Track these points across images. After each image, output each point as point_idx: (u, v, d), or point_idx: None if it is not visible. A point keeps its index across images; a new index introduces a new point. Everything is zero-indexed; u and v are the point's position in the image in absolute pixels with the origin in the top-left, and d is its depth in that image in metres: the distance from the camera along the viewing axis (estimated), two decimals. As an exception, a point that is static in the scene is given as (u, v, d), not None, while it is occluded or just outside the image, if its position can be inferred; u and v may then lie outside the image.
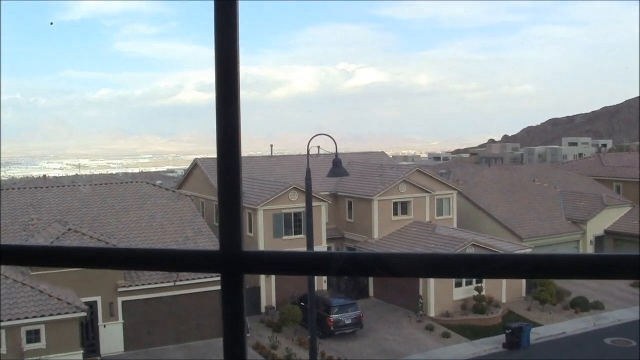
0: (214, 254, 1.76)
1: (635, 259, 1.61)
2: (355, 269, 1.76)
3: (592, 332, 41.77)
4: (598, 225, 56.79)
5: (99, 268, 1.87)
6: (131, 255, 1.87)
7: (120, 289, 38.16)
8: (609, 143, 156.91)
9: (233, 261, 1.73)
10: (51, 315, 32.20)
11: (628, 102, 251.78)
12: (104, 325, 38.29)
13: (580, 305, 44.99)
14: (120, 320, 38.73)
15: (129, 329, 38.86)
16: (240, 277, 1.74)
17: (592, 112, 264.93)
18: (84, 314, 33.65)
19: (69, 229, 38.56)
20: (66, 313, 32.61)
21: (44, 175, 71.69)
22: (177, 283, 38.91)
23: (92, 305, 36.92)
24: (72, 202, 44.71)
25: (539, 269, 1.69)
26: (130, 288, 38.18)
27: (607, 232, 57.18)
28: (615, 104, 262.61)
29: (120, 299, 38.61)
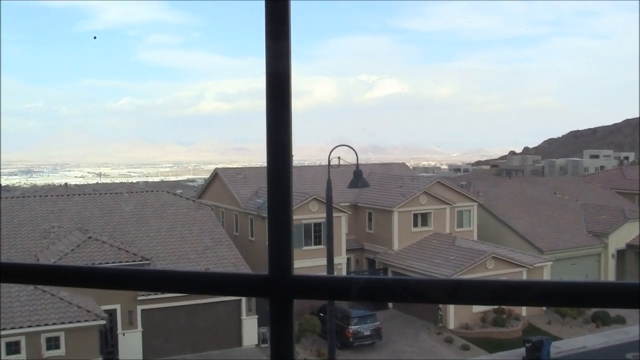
0: (263, 279, 1.74)
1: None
2: (389, 294, 1.73)
3: (613, 347, 41.39)
4: (620, 238, 56.28)
5: (140, 290, 1.85)
6: (177, 278, 1.84)
7: (139, 298, 38.23)
8: (631, 156, 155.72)
9: (283, 286, 1.71)
10: (71, 322, 32.33)
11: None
12: (123, 334, 38.39)
13: (602, 319, 44.60)
14: (140, 328, 38.83)
15: (147, 337, 38.94)
16: (290, 302, 1.71)
17: (614, 124, 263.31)
18: (103, 321, 33.78)
19: (90, 237, 38.74)
20: (86, 321, 32.74)
21: (66, 183, 72.10)
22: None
23: (111, 314, 37.05)
24: (93, 210, 44.93)
25: (570, 299, 1.64)
26: (150, 297, 38.23)
27: (629, 245, 56.64)
28: (637, 116, 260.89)
29: (139, 308, 38.70)
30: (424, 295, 1.68)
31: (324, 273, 29.29)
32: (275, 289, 1.72)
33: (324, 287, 1.75)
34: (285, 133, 1.72)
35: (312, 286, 1.75)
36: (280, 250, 1.73)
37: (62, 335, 32.46)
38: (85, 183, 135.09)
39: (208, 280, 1.82)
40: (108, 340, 37.47)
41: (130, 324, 38.61)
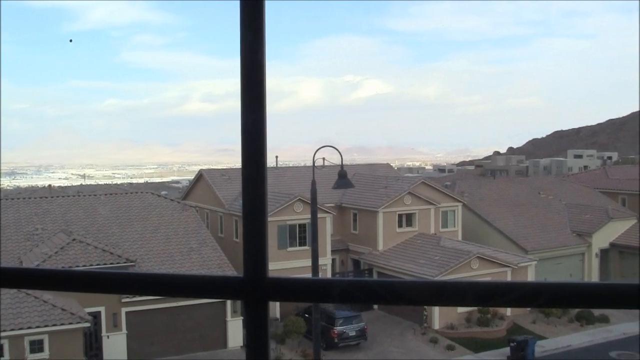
0: (238, 281, 1.73)
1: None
2: (371, 296, 1.73)
3: (598, 345, 41.63)
4: (603, 238, 56.62)
5: (118, 293, 1.84)
6: (153, 280, 1.83)
7: (124, 300, 38.09)
8: (615, 156, 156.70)
9: (257, 288, 1.70)
10: (55, 325, 32.16)
11: (634, 115, 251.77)
12: (108, 336, 38.24)
13: (586, 318, 44.85)
14: (124, 331, 38.69)
15: (132, 339, 38.80)
16: (265, 304, 1.71)
17: (598, 124, 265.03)
18: (87, 324, 33.60)
19: (74, 239, 38.57)
20: (70, 323, 32.57)
21: (49, 185, 71.70)
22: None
23: (95, 316, 36.88)
24: (77, 212, 44.73)
25: (556, 300, 1.65)
26: (135, 299, 38.08)
27: (612, 245, 56.98)
28: (621, 116, 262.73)
29: (124, 310, 38.57)
30: (407, 297, 1.68)
31: (309, 274, 29.30)
32: (250, 291, 1.71)
33: (299, 289, 1.74)
34: (259, 123, 1.70)
35: (287, 288, 1.75)
36: (255, 252, 1.72)
37: (45, 338, 32.28)
38: (69, 185, 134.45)
39: (183, 283, 1.81)
40: (92, 343, 37.30)
41: (114, 326, 38.47)
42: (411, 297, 1.67)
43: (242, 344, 40.86)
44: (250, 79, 1.71)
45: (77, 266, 35.99)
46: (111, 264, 37.76)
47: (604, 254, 57.04)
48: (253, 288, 1.70)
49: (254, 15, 1.71)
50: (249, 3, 1.72)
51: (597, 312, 45.22)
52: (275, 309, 45.14)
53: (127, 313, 38.68)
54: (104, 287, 1.85)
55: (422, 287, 1.69)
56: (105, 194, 49.16)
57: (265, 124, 1.71)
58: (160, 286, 1.83)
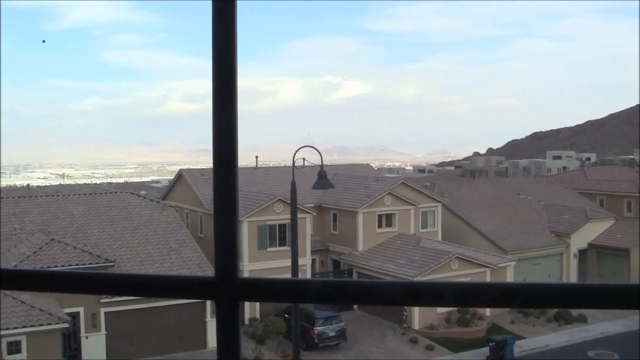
0: (209, 281, 1.73)
1: (627, 288, 1.60)
2: (339, 295, 1.74)
3: (576, 345, 41.90)
4: (582, 238, 57.00)
5: (89, 294, 1.84)
6: (123, 280, 1.84)
7: (103, 300, 37.88)
8: (593, 157, 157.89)
9: (229, 288, 1.71)
10: (33, 326, 31.91)
11: (612, 116, 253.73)
12: (87, 337, 38.04)
13: (564, 318, 45.13)
14: (103, 331, 38.49)
15: (111, 340, 38.60)
16: (235, 304, 1.71)
17: (577, 125, 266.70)
18: (66, 325, 33.37)
19: (52, 239, 38.34)
20: (48, 324, 32.32)
21: (28, 185, 71.25)
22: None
23: (74, 316, 36.65)
24: (56, 212, 44.47)
25: (531, 301, 1.67)
26: (114, 299, 37.88)
27: (590, 245, 57.39)
28: (599, 117, 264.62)
29: (103, 310, 38.37)
30: (383, 297, 1.69)
31: (289, 274, 29.27)
32: (222, 291, 1.72)
33: (270, 290, 1.75)
34: (230, 124, 1.71)
35: (258, 288, 1.76)
36: (226, 252, 1.72)
37: (23, 339, 32.03)
38: (48, 184, 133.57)
39: (155, 283, 1.82)
40: (71, 344, 37.09)
41: (93, 326, 38.27)
42: (386, 296, 1.68)
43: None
44: (221, 80, 1.71)
45: (56, 266, 35.79)
46: (90, 264, 37.57)
47: (582, 254, 57.43)
48: (224, 288, 1.71)
49: (225, 18, 1.72)
50: (220, 4, 1.72)
51: (575, 312, 45.50)
52: (255, 309, 45.12)
53: (106, 313, 38.48)
54: (75, 287, 1.84)
55: (397, 287, 1.70)
56: (84, 194, 48.88)
57: (237, 125, 1.72)
58: (131, 286, 1.83)
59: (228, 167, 1.70)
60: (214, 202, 1.73)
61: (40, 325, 32.10)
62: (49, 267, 34.71)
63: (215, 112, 1.72)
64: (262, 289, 1.75)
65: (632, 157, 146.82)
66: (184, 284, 1.80)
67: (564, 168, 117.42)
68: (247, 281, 1.72)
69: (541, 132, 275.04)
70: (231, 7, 1.71)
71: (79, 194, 49.13)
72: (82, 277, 1.84)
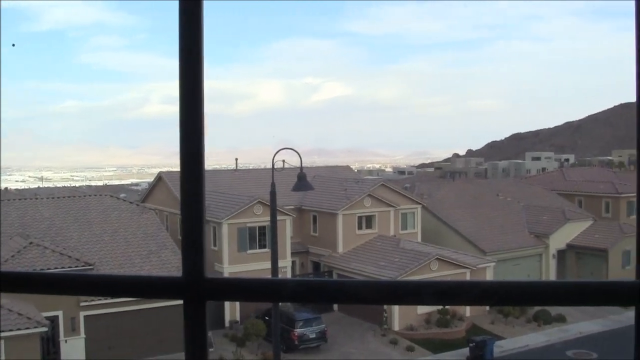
0: (176, 281, 1.75)
1: (601, 286, 1.63)
2: (314, 295, 1.76)
3: (555, 345, 42.14)
4: (561, 239, 57.33)
5: (58, 294, 1.84)
6: (92, 281, 1.85)
7: (82, 304, 37.66)
8: (572, 158, 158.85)
9: (195, 288, 1.72)
10: (11, 330, 31.64)
11: (590, 117, 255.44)
12: (66, 341, 37.78)
13: (543, 318, 45.34)
14: (82, 335, 38.25)
15: (90, 344, 38.36)
16: (202, 304, 1.73)
17: (556, 127, 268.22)
18: (45, 329, 33.13)
19: (31, 243, 38.08)
20: (27, 328, 32.08)
21: (6, 188, 70.74)
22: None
23: (53, 320, 36.38)
24: (34, 215, 44.18)
25: (508, 299, 1.69)
26: (93, 302, 37.67)
27: (569, 245, 57.73)
28: (578, 119, 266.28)
29: (82, 314, 38.13)
30: (360, 296, 1.70)
31: (269, 276, 29.22)
32: (188, 290, 1.73)
33: (236, 289, 1.77)
34: (197, 136, 1.73)
35: (225, 288, 1.77)
36: (193, 252, 1.74)
37: (1, 343, 31.75)
38: (26, 187, 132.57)
39: (122, 283, 1.83)
40: (50, 348, 36.82)
41: (72, 330, 38.02)
42: (363, 296, 1.69)
43: (202, 347, 40.56)
44: (187, 80, 1.73)
45: (34, 270, 35.54)
46: (69, 267, 37.33)
47: (561, 254, 57.78)
48: (191, 288, 1.72)
49: (192, 19, 1.73)
50: (186, 4, 1.74)
51: (554, 312, 45.75)
52: (235, 312, 45.02)
53: (85, 317, 38.24)
54: (42, 288, 1.85)
55: (373, 287, 1.71)
56: (63, 197, 48.57)
57: (203, 125, 1.74)
58: (99, 287, 1.84)
59: (194, 167, 1.72)
60: (180, 202, 1.75)
61: (19, 329, 31.84)
62: (27, 270, 34.45)
63: (182, 113, 1.74)
64: (229, 288, 1.77)
65: (610, 158, 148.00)
66: (151, 284, 1.81)
67: (543, 169, 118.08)
68: (214, 281, 1.73)
69: (520, 133, 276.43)
70: (197, 7, 1.73)
71: (58, 197, 48.83)
72: (48, 277, 1.84)
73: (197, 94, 1.74)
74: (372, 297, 1.69)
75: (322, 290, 1.74)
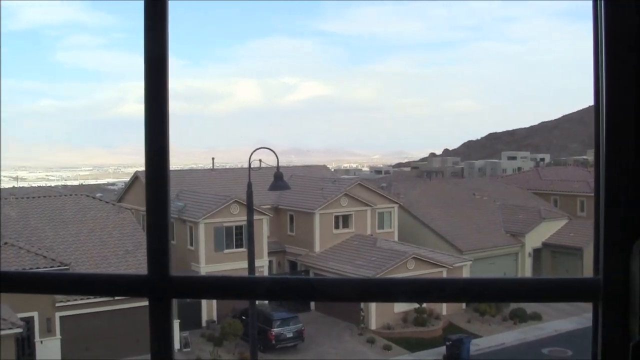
0: (141, 279, 1.76)
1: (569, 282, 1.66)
2: (282, 292, 1.77)
3: (530, 343, 42.41)
4: (536, 238, 57.68)
5: (26, 293, 1.84)
6: (59, 280, 1.85)
7: (58, 304, 37.39)
8: (547, 157, 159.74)
9: (160, 286, 1.73)
10: (-14, 331, 31.39)
11: (565, 117, 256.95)
12: (41, 342, 37.49)
13: (519, 317, 45.58)
14: (58, 336, 37.99)
15: (66, 344, 38.11)
16: (168, 302, 1.73)
17: (531, 126, 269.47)
18: (19, 330, 32.85)
19: (5, 243, 37.73)
20: (1, 329, 31.82)
21: (-20, 188, 69.97)
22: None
23: (28, 321, 36.07)
24: (9, 215, 43.79)
25: (481, 295, 1.71)
26: (69, 303, 37.41)
27: (544, 244, 58.11)
28: (553, 119, 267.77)
29: (58, 314, 37.86)
30: (332, 294, 1.71)
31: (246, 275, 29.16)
32: (154, 288, 1.74)
33: (202, 287, 1.78)
34: (161, 134, 1.74)
35: (190, 286, 1.78)
36: (158, 250, 1.74)
37: (-24, 344, 31.51)
38: (1, 187, 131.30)
39: (88, 281, 1.83)
40: (25, 349, 36.53)
41: (48, 331, 37.74)
42: (337, 294, 1.71)
43: (178, 347, 40.50)
44: (151, 79, 1.74)
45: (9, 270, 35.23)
46: (45, 267, 37.03)
47: (536, 253, 58.14)
48: (157, 286, 1.73)
49: (156, 18, 1.74)
50: (151, 3, 1.74)
51: (529, 310, 46.01)
52: (212, 311, 44.89)
53: (61, 318, 37.98)
54: (10, 287, 1.85)
55: (347, 284, 1.72)
56: (39, 197, 48.17)
57: (168, 124, 1.75)
58: (64, 285, 1.84)
59: (159, 165, 1.73)
60: (145, 200, 1.75)
61: (-7, 330, 31.58)
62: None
63: (147, 111, 1.75)
64: (194, 286, 1.78)
65: (585, 157, 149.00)
66: (115, 282, 1.82)
67: (519, 168, 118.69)
68: (180, 279, 1.74)
69: (496, 133, 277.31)
70: (162, 7, 1.73)
71: (33, 197, 48.42)
72: (11, 276, 1.84)
73: (162, 95, 1.74)
74: (346, 294, 1.71)
75: (298, 289, 1.76)
